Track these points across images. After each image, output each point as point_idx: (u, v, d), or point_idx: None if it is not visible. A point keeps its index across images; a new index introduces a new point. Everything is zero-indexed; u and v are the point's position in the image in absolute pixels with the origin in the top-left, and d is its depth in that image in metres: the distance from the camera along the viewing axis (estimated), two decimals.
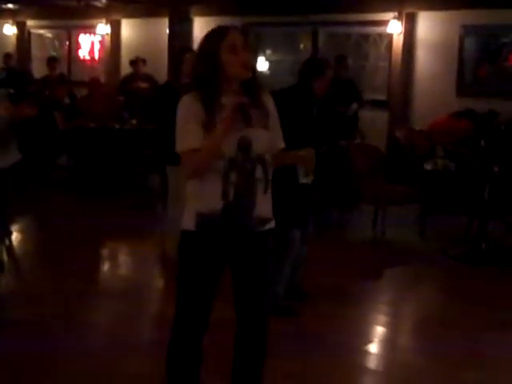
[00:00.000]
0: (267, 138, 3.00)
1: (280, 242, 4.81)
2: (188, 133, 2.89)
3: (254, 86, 2.99)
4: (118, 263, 6.74)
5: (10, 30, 15.51)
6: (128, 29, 13.59)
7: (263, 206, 3.01)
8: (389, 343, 4.88)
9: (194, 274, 3.04)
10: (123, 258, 6.91)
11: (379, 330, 5.05)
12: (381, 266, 6.56)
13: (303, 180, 3.14)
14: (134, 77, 11.46)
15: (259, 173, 2.96)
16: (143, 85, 11.17)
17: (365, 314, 5.29)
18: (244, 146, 2.91)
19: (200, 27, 12.13)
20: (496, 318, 5.14)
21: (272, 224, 3.10)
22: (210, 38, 2.96)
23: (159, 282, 6.00)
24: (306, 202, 4.96)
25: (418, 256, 6.82)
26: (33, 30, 15.55)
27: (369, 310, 5.40)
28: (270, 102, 3.09)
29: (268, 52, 12.28)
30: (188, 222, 3.00)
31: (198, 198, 2.97)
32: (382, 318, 5.25)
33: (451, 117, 9.00)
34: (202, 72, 2.94)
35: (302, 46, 11.85)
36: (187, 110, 2.93)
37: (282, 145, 3.16)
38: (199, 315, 3.07)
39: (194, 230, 2.98)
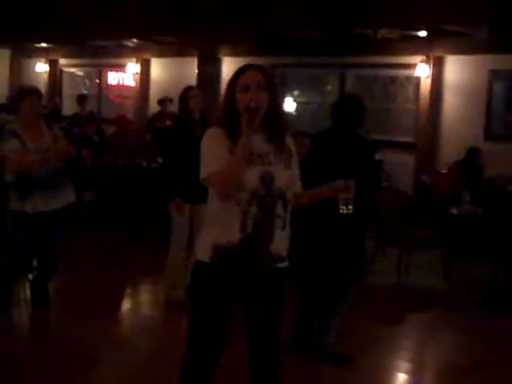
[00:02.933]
0: (288, 176, 3.05)
1: (336, 294, 4.79)
2: (215, 158, 2.94)
3: (276, 124, 3.03)
4: (141, 301, 6.72)
5: (43, 67, 15.80)
6: (157, 68, 13.79)
7: (280, 242, 3.03)
8: None
9: (206, 305, 3.03)
10: (147, 296, 6.89)
11: (401, 378, 4.96)
12: (404, 310, 6.46)
13: (343, 210, 3.12)
14: (161, 115, 11.58)
15: (279, 208, 2.99)
16: (170, 124, 11.26)
17: (387, 359, 5.21)
18: (267, 180, 2.95)
19: (228, 67, 12.26)
20: None
21: (286, 263, 3.10)
22: (230, 79, 3.05)
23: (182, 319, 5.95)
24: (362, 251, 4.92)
25: (442, 301, 6.72)
26: (64, 69, 15.83)
27: (391, 355, 5.30)
28: (291, 143, 3.14)
29: (295, 93, 12.35)
30: (203, 253, 3.01)
31: (216, 229, 2.98)
32: (404, 364, 5.16)
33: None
34: (224, 110, 3.03)
35: (329, 87, 11.90)
36: (213, 138, 3.01)
37: (300, 188, 3.20)
38: (211, 348, 3.05)
39: (208, 261, 2.98)
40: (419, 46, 10.15)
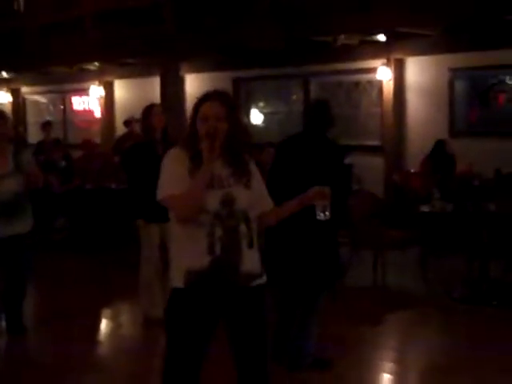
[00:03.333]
0: (249, 196, 3.08)
1: (312, 300, 4.77)
2: (174, 179, 2.98)
3: (235, 149, 3.07)
4: (116, 323, 6.65)
5: (5, 97, 15.69)
6: (121, 89, 13.75)
7: (250, 261, 3.06)
8: None
9: (185, 330, 3.03)
10: (122, 318, 6.83)
11: (385, 378, 4.96)
12: (383, 311, 6.47)
13: (321, 217, 3.13)
14: (128, 136, 11.51)
15: (243, 228, 3.03)
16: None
17: (369, 360, 5.21)
18: (227, 202, 3.00)
19: (192, 84, 12.28)
20: (505, 361, 5.04)
21: (263, 279, 3.12)
22: (193, 106, 3.09)
23: (158, 341, 5.90)
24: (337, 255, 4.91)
25: (421, 299, 6.75)
26: (27, 96, 15.73)
27: (373, 356, 5.30)
28: (252, 164, 3.18)
29: (261, 104, 12.39)
30: (177, 280, 3.02)
31: (185, 254, 3.00)
32: (387, 364, 5.17)
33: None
34: (187, 134, 3.10)
35: (294, 96, 11.96)
36: (174, 159, 3.05)
37: (270, 205, 3.22)
38: (189, 372, 3.04)
39: (183, 287, 2.99)
40: (379, 50, 10.24)
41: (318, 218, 3.16)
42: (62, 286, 7.48)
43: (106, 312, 6.87)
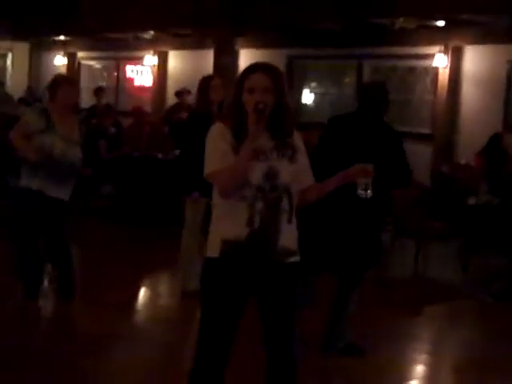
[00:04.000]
0: (293, 171, 3.05)
1: (351, 281, 4.74)
2: (219, 155, 2.97)
3: (281, 122, 3.03)
4: (157, 293, 6.74)
5: (61, 60, 15.86)
6: (175, 60, 13.79)
7: (288, 236, 3.04)
8: (428, 381, 4.76)
9: (217, 301, 3.03)
10: (163, 288, 6.92)
11: (419, 369, 4.95)
12: (422, 302, 6.43)
13: (362, 194, 3.09)
14: (179, 107, 11.57)
15: (285, 203, 3.01)
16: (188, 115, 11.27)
17: (405, 351, 5.19)
18: (271, 175, 2.97)
19: (245, 59, 12.22)
20: None
21: (297, 257, 3.10)
22: (238, 78, 3.06)
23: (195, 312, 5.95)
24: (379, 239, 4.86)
25: (460, 293, 6.69)
26: (83, 61, 15.89)
27: (409, 347, 5.28)
28: (298, 139, 3.14)
29: (312, 85, 12.30)
30: (212, 249, 3.02)
31: (224, 225, 3.00)
32: (422, 356, 5.14)
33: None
34: (231, 108, 3.06)
35: (347, 79, 11.85)
36: (218, 135, 3.03)
37: (312, 181, 3.17)
38: (220, 344, 3.05)
39: (218, 256, 2.99)
40: (437, 36, 10.06)
41: (358, 195, 3.12)
42: (102, 253, 7.56)
43: (144, 282, 6.96)
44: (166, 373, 4.47)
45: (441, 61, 10.03)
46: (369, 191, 3.10)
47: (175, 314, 5.86)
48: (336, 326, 4.74)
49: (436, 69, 10.21)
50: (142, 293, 6.70)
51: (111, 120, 10.47)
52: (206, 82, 5.81)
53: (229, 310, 3.03)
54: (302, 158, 3.13)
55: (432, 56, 10.11)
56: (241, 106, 3.00)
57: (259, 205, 2.95)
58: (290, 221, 3.04)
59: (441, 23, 9.85)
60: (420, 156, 9.88)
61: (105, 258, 7.33)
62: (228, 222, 2.98)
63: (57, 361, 4.53)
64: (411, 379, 4.75)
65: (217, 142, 3.01)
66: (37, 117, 5.40)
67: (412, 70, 10.79)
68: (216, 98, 5.68)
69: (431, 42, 10.12)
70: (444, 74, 10.11)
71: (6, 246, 6.14)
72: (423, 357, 5.13)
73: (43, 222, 5.53)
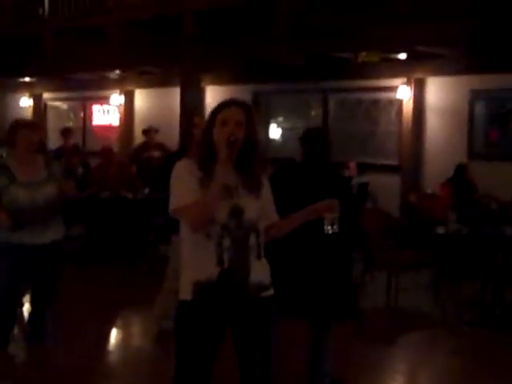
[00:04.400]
0: (258, 207, 3.07)
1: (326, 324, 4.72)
2: (183, 190, 2.98)
3: (249, 158, 3.04)
4: (130, 333, 6.68)
5: (27, 102, 15.80)
6: (141, 99, 13.82)
7: (259, 271, 3.05)
8: None
9: (191, 342, 3.03)
10: (136, 328, 6.85)
11: None
12: (396, 333, 6.45)
13: (329, 230, 3.12)
14: (146, 146, 11.58)
15: (252, 240, 3.03)
16: (156, 154, 11.27)
17: (381, 382, 5.17)
18: (236, 213, 2.99)
19: (212, 96, 12.32)
20: None
21: (271, 291, 3.11)
22: (210, 113, 3.09)
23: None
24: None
25: (433, 322, 6.72)
26: (49, 102, 15.84)
27: (384, 379, 5.28)
28: (265, 180, 3.16)
29: (279, 119, 12.40)
30: (185, 292, 3.02)
31: (194, 266, 3.00)
32: None
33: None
34: (200, 143, 3.10)
35: (313, 112, 11.97)
36: (184, 170, 3.04)
37: (276, 217, 3.20)
38: (197, 381, 3.04)
39: (191, 299, 3.00)
40: (400, 69, 10.24)
41: (326, 231, 3.15)
42: (75, 294, 7.47)
43: (119, 322, 6.89)
44: None
45: (404, 93, 10.20)
46: (335, 226, 3.15)
47: (150, 354, 5.80)
48: (318, 366, 4.72)
49: (400, 101, 10.37)
50: (117, 332, 6.63)
51: (79, 160, 10.42)
52: (189, 119, 5.82)
53: (203, 351, 3.03)
54: (267, 194, 3.16)
55: (395, 88, 10.28)
56: (210, 138, 3.01)
57: (226, 243, 2.97)
58: (258, 257, 3.05)
59: (403, 56, 10.03)
60: (388, 187, 10.02)
61: (77, 298, 7.25)
62: (197, 263, 2.99)
63: None
64: None
65: (183, 176, 3.02)
66: None
67: (377, 102, 10.94)
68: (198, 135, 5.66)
69: (394, 75, 10.30)
70: (408, 106, 10.27)
71: None
72: None
73: (33, 272, 5.45)
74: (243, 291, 3.01)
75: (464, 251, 7.42)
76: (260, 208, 3.07)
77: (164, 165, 6.26)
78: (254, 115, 3.08)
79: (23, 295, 5.66)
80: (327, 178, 4.65)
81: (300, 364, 4.69)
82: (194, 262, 3.00)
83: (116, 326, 6.77)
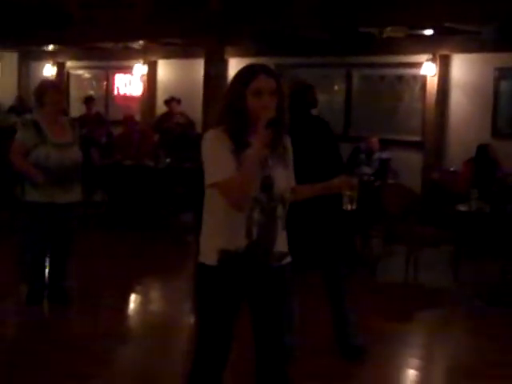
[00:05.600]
0: (286, 177, 3.07)
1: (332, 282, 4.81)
2: (222, 163, 2.91)
3: (280, 126, 2.99)
4: (149, 299, 6.75)
5: (50, 70, 15.84)
6: (164, 69, 13.81)
7: (281, 242, 3.08)
8: None
9: (214, 307, 3.06)
10: (155, 293, 6.93)
11: (410, 374, 4.96)
12: (412, 308, 6.46)
13: (348, 207, 3.14)
14: (168, 116, 11.61)
15: (279, 211, 3.03)
16: (179, 120, 11.31)
17: (396, 357, 5.22)
18: (267, 186, 2.97)
19: (235, 68, 12.26)
20: None
21: (288, 259, 3.14)
22: (238, 80, 3.00)
23: (189, 317, 5.98)
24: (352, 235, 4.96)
25: (451, 300, 6.72)
26: (72, 71, 15.87)
27: (400, 353, 5.31)
28: (288, 142, 3.15)
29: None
30: (209, 257, 3.02)
31: (222, 235, 2.99)
32: (413, 361, 5.17)
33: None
34: (230, 112, 2.98)
35: (336, 87, 11.90)
36: (216, 142, 2.96)
37: (294, 182, 3.19)
38: (219, 349, 3.08)
39: (215, 265, 3.00)
40: (426, 45, 10.15)
41: (344, 208, 3.16)
42: (95, 259, 7.57)
43: (138, 288, 6.98)
44: (161, 376, 4.49)
45: (429, 69, 10.12)
46: (354, 205, 3.15)
47: (169, 319, 5.87)
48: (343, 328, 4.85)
49: (424, 77, 10.30)
50: (136, 298, 6.71)
51: (102, 129, 10.49)
52: None
53: (225, 315, 3.06)
54: (290, 161, 3.15)
55: (420, 64, 10.20)
56: (244, 108, 2.94)
57: (256, 215, 2.96)
58: (284, 227, 3.08)
59: (429, 32, 9.93)
60: (411, 163, 9.99)
61: (99, 264, 7.34)
62: (226, 232, 2.98)
63: (53, 364, 4.54)
64: (405, 382, 4.77)
65: (218, 149, 2.94)
66: (29, 133, 5.44)
67: (400, 78, 10.87)
68: None
69: (420, 51, 10.21)
70: (432, 82, 10.20)
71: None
72: (415, 362, 5.16)
73: (54, 230, 5.57)
74: (267, 261, 3.04)
75: (485, 229, 7.39)
76: (288, 177, 3.08)
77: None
78: (282, 83, 3.03)
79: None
80: (311, 126, 4.75)
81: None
82: (223, 231, 2.99)
83: (135, 293, 6.84)
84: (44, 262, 5.71)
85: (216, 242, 3.01)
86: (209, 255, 3.03)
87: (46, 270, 5.76)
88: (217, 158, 2.94)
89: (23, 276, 5.82)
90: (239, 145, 2.93)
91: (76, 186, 5.64)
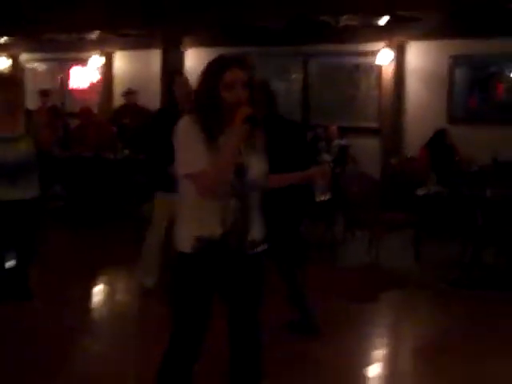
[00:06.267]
0: (260, 163, 3.08)
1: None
2: (193, 154, 2.92)
3: (256, 120, 3.00)
4: (114, 290, 6.71)
5: (5, 63, 15.57)
6: (121, 61, 13.69)
7: (257, 229, 3.10)
8: (387, 367, 4.88)
9: (189, 294, 3.08)
10: (120, 285, 6.89)
11: (377, 354, 5.05)
12: (376, 290, 6.55)
13: (320, 197, 3.15)
14: (126, 108, 11.52)
15: (254, 197, 3.05)
16: (135, 116, 11.21)
17: (362, 337, 5.29)
18: (241, 172, 2.98)
19: (192, 58, 12.23)
20: (492, 342, 5.14)
21: (264, 246, 3.16)
22: (209, 73, 3.00)
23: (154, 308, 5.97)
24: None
25: (413, 281, 6.82)
26: (27, 64, 15.62)
27: (366, 333, 5.39)
28: (260, 132, 3.14)
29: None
30: (185, 245, 3.04)
31: (197, 223, 3.00)
32: (379, 340, 5.26)
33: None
34: (203, 103, 2.98)
35: (293, 76, 11.95)
36: (188, 132, 2.96)
37: (267, 168, 3.18)
38: (192, 338, 3.11)
39: (190, 252, 3.02)
40: (381, 33, 10.24)
41: (316, 198, 3.17)
42: (57, 253, 7.49)
43: (102, 281, 6.94)
44: (127, 367, 4.49)
45: (385, 57, 10.23)
46: (327, 194, 3.17)
47: (134, 310, 5.86)
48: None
49: (380, 65, 10.40)
50: (100, 290, 6.67)
51: (60, 123, 10.36)
52: (170, 78, 5.81)
53: (201, 302, 3.08)
54: (262, 149, 3.15)
55: (376, 52, 10.30)
56: (218, 101, 2.94)
57: (231, 203, 2.97)
58: (258, 214, 3.10)
59: (384, 20, 10.03)
60: (369, 149, 10.11)
61: (60, 258, 7.28)
62: (201, 220, 2.98)
63: (21, 362, 4.50)
64: (371, 364, 4.85)
65: (190, 139, 2.94)
66: None
67: (357, 66, 10.95)
68: (180, 94, 5.61)
69: (376, 39, 10.31)
70: (388, 70, 10.31)
71: None
72: (382, 341, 5.25)
73: (8, 229, 5.45)
74: (242, 248, 3.05)
75: (444, 212, 7.54)
76: (261, 163, 3.08)
77: (149, 124, 6.22)
78: (252, 69, 3.04)
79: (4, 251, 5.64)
80: (281, 128, 4.72)
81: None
82: (197, 218, 2.99)
83: (99, 285, 6.80)
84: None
85: (191, 229, 3.02)
86: (184, 243, 3.04)
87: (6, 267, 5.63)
88: (189, 148, 2.94)
89: None
90: (211, 135, 2.93)
91: (28, 182, 5.45)
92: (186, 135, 2.96)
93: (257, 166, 3.05)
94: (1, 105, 5.36)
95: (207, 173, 2.88)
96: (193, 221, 3.02)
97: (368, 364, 4.84)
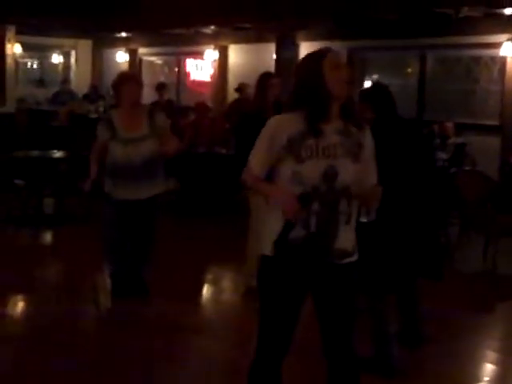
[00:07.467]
0: (355, 170, 2.92)
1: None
2: (259, 153, 2.96)
3: (352, 113, 2.92)
4: (219, 287, 6.75)
5: (123, 57, 16.06)
6: (235, 54, 13.80)
7: (345, 238, 2.95)
8: (499, 382, 4.64)
9: (273, 299, 3.00)
10: (223, 282, 6.93)
11: (489, 368, 4.81)
12: (492, 299, 6.27)
13: (364, 218, 3.00)
14: (239, 103, 11.56)
15: (343, 205, 2.90)
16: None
17: (474, 349, 5.07)
18: (329, 176, 2.85)
19: (306, 51, 12.11)
20: None
21: (354, 257, 3.02)
22: (311, 57, 2.93)
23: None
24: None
25: None
26: (144, 57, 16.05)
27: (478, 345, 5.16)
28: (367, 134, 3.02)
29: (375, 76, 12.13)
30: (266, 247, 2.97)
31: (278, 224, 2.90)
32: (492, 354, 5.01)
33: None
34: (304, 92, 2.90)
35: (409, 69, 11.65)
36: (270, 130, 2.93)
37: (375, 181, 3.06)
38: (280, 339, 3.03)
39: (272, 255, 2.94)
40: (505, 24, 9.77)
41: (360, 219, 3.01)
42: (168, 248, 7.60)
43: (210, 276, 7.00)
44: (227, 366, 4.50)
45: (509, 49, 9.75)
46: (372, 214, 2.99)
47: (238, 310, 5.85)
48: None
49: (504, 58, 9.93)
50: (207, 287, 6.73)
51: (188, 121, 10.50)
52: (264, 80, 5.75)
53: (285, 306, 2.99)
54: (368, 157, 3.01)
55: (499, 45, 9.84)
56: (328, 92, 2.85)
57: (315, 207, 2.85)
58: (348, 222, 2.94)
59: (508, 11, 9.56)
60: (488, 148, 9.67)
61: (170, 252, 7.38)
62: (282, 222, 2.88)
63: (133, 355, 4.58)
64: (481, 379, 4.63)
65: (266, 138, 2.93)
66: (103, 129, 5.47)
67: (478, 59, 10.52)
68: (274, 96, 5.62)
69: (498, 31, 9.84)
70: None
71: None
72: (494, 355, 4.99)
73: (130, 225, 5.58)
74: (326, 256, 2.93)
75: None
76: (357, 171, 2.93)
77: (239, 126, 6.13)
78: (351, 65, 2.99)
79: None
80: (407, 134, 4.54)
81: None
82: (279, 220, 2.88)
83: (207, 281, 6.85)
84: (124, 254, 5.69)
85: (272, 231, 2.93)
86: (266, 246, 2.97)
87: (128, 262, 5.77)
88: (261, 144, 2.96)
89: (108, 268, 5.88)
90: (317, 124, 2.85)
91: (150, 181, 5.53)
92: (265, 133, 2.95)
93: (349, 172, 2.89)
94: (126, 104, 5.48)
95: (251, 170, 2.96)
96: (274, 222, 2.93)
97: (477, 378, 4.63)
